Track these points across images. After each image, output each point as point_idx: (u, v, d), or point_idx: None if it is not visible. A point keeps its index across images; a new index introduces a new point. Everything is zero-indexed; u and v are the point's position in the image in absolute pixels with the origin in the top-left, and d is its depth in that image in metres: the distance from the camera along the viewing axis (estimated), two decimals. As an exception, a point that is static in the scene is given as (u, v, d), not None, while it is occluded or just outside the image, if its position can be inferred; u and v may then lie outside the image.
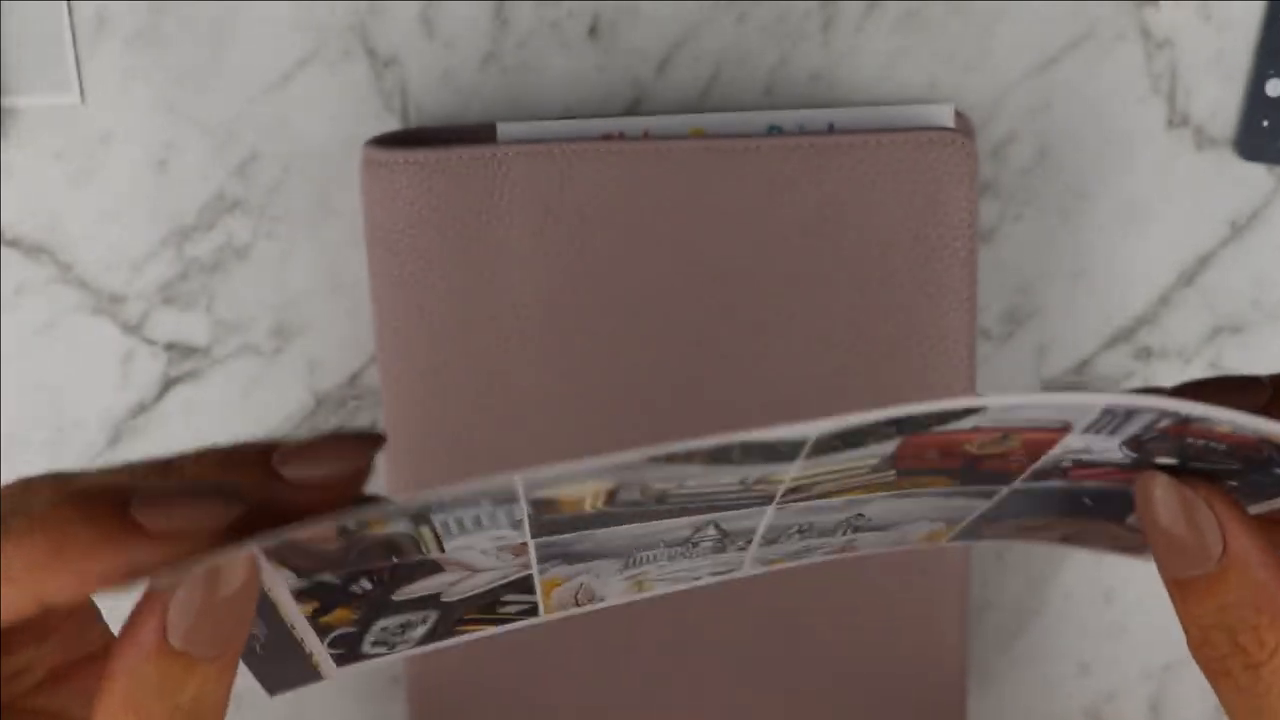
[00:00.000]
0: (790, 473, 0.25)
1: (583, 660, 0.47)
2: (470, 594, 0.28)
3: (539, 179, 0.44)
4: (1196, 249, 0.48)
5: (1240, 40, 0.47)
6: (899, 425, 0.24)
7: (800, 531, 0.29)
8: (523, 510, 0.25)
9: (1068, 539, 0.33)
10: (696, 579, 0.31)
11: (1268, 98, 0.46)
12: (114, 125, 0.49)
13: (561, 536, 0.27)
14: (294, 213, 0.49)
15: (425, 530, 0.25)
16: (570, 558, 0.28)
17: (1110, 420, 0.25)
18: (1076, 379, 0.50)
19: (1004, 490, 0.29)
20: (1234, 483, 0.27)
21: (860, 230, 0.44)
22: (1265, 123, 0.46)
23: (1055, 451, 0.26)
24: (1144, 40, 0.47)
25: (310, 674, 0.30)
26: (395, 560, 0.26)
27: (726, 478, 0.25)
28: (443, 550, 0.26)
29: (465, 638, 0.30)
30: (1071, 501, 0.30)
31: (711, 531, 0.28)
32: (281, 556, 0.25)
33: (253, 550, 0.23)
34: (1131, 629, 0.51)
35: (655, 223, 0.44)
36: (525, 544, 0.27)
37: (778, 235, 0.44)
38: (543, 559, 0.28)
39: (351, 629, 0.28)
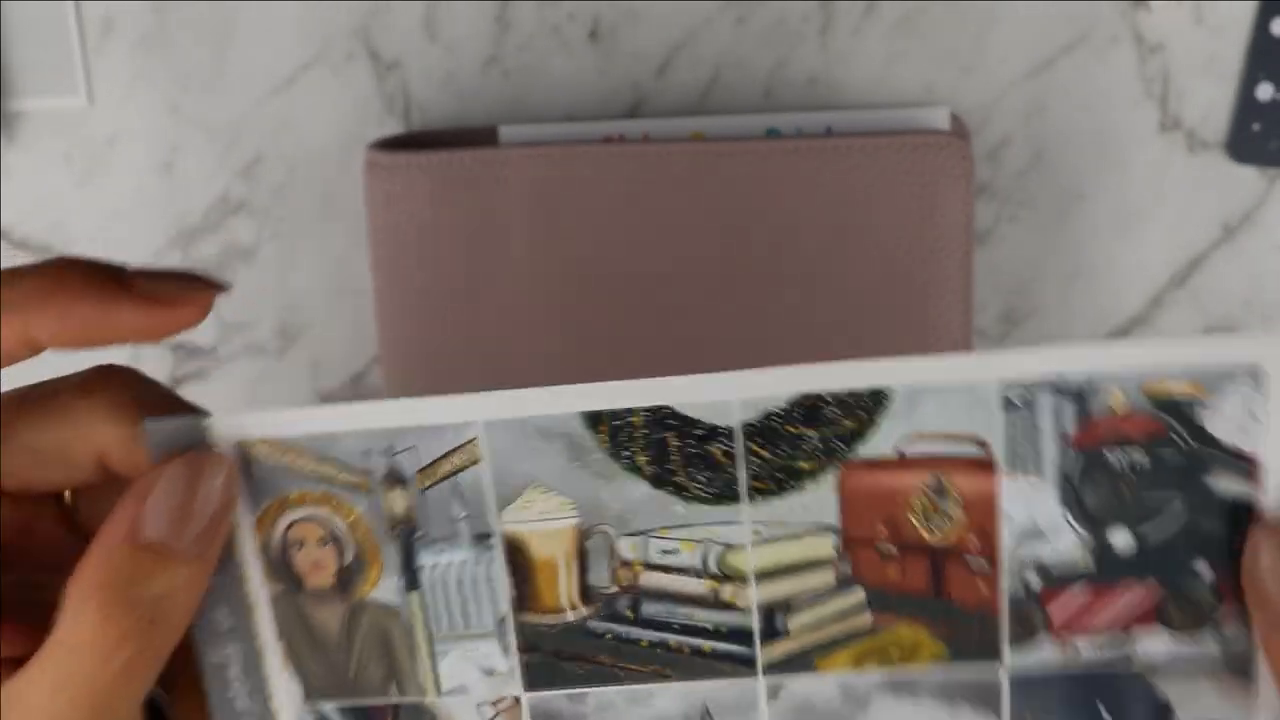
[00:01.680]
0: (745, 532, 0.26)
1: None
2: None
3: (540, 181, 0.44)
4: (1189, 250, 0.49)
5: (1231, 44, 0.47)
6: (815, 423, 0.25)
7: None
8: (504, 603, 0.26)
9: None
10: None
11: (1258, 101, 0.47)
12: (120, 127, 0.49)
13: (557, 713, 0.27)
14: (298, 214, 0.50)
15: (415, 601, 0.27)
16: None
17: (1020, 432, 0.25)
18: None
19: (1003, 678, 0.27)
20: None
21: (858, 232, 0.44)
22: (1256, 126, 0.47)
23: (1007, 541, 0.26)
24: (1137, 44, 0.47)
25: None
26: (394, 688, 0.27)
27: (684, 533, 0.26)
28: (439, 687, 0.27)
29: None
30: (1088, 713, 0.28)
31: None
32: (285, 626, 0.27)
33: (228, 455, 0.26)
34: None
35: (655, 225, 0.44)
36: (519, 701, 0.27)
37: (776, 237, 0.44)
38: None
39: None
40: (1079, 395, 0.25)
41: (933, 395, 0.25)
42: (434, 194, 0.44)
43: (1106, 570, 0.26)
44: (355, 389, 0.51)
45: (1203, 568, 0.26)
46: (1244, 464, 0.26)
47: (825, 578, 0.27)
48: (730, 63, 0.48)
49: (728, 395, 0.26)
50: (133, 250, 0.49)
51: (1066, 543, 0.26)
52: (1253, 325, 0.50)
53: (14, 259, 0.49)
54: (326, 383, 0.51)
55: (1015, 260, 0.49)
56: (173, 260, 0.50)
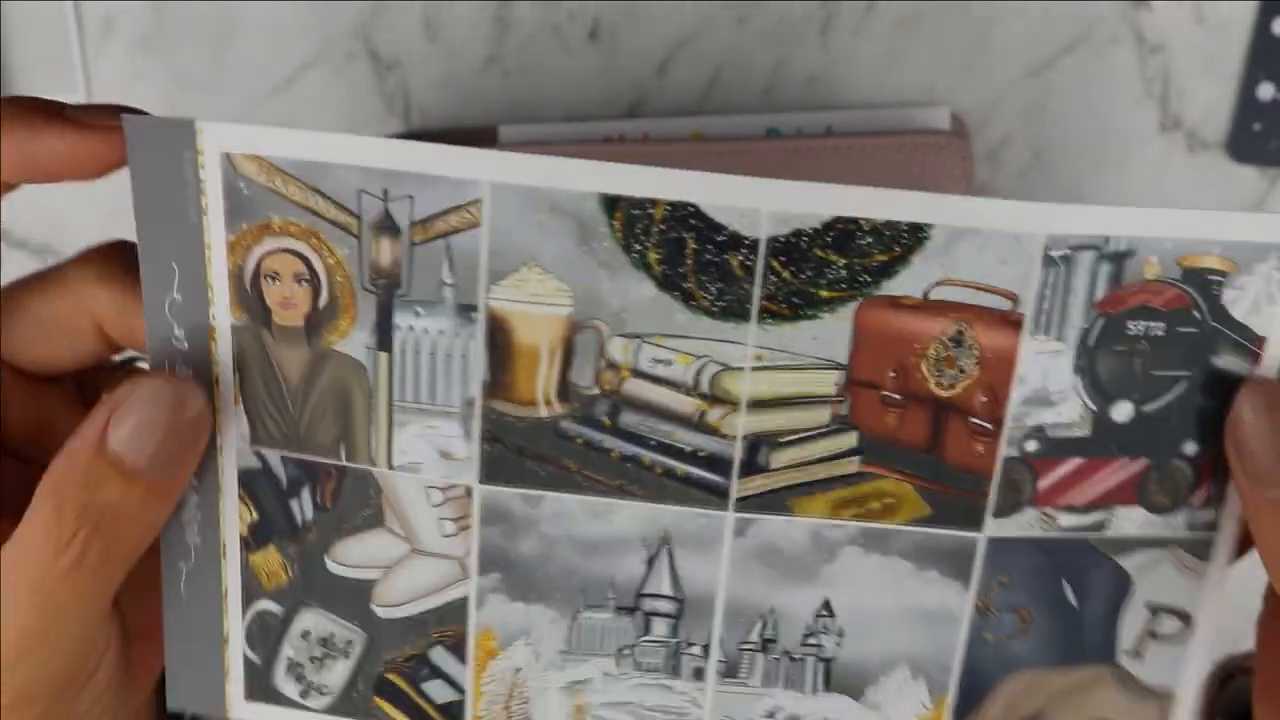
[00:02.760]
0: (747, 354, 0.25)
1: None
2: (398, 615, 0.27)
3: (541, 181, 0.44)
4: (1189, 250, 0.49)
5: (1232, 44, 0.47)
6: (846, 250, 0.24)
7: (765, 642, 0.27)
8: (480, 369, 0.25)
9: None
10: None
11: (1259, 101, 0.47)
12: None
13: (508, 512, 0.26)
14: (298, 214, 0.50)
15: (383, 362, 0.25)
16: (511, 580, 0.27)
17: (1053, 291, 0.24)
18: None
19: (979, 546, 0.27)
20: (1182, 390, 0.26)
21: (857, 231, 0.44)
22: (1257, 126, 0.47)
23: (1015, 403, 0.25)
24: (1138, 44, 0.47)
25: (216, 694, 0.28)
26: (344, 449, 0.26)
27: (681, 345, 0.25)
28: (390, 460, 0.26)
29: None
30: (1060, 608, 0.27)
31: (664, 605, 0.27)
32: (244, 361, 0.25)
33: (202, 398, 0.25)
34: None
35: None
36: (470, 493, 0.26)
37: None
38: (484, 561, 0.27)
39: (275, 607, 0.27)
40: (1117, 258, 0.24)
41: (973, 239, 0.24)
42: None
43: (1102, 443, 0.26)
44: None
45: (1190, 446, 0.26)
46: (1252, 345, 0.25)
47: (820, 416, 0.25)
48: (730, 62, 0.48)
49: (760, 204, 0.24)
50: (132, 250, 0.49)
51: (1071, 411, 0.25)
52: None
53: (14, 259, 0.49)
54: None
55: (1015, 260, 0.49)
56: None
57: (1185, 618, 0.27)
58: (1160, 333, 0.25)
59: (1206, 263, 0.24)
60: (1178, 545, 0.27)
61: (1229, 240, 0.24)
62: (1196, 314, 0.25)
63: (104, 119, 0.25)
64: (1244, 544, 0.27)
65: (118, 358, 0.29)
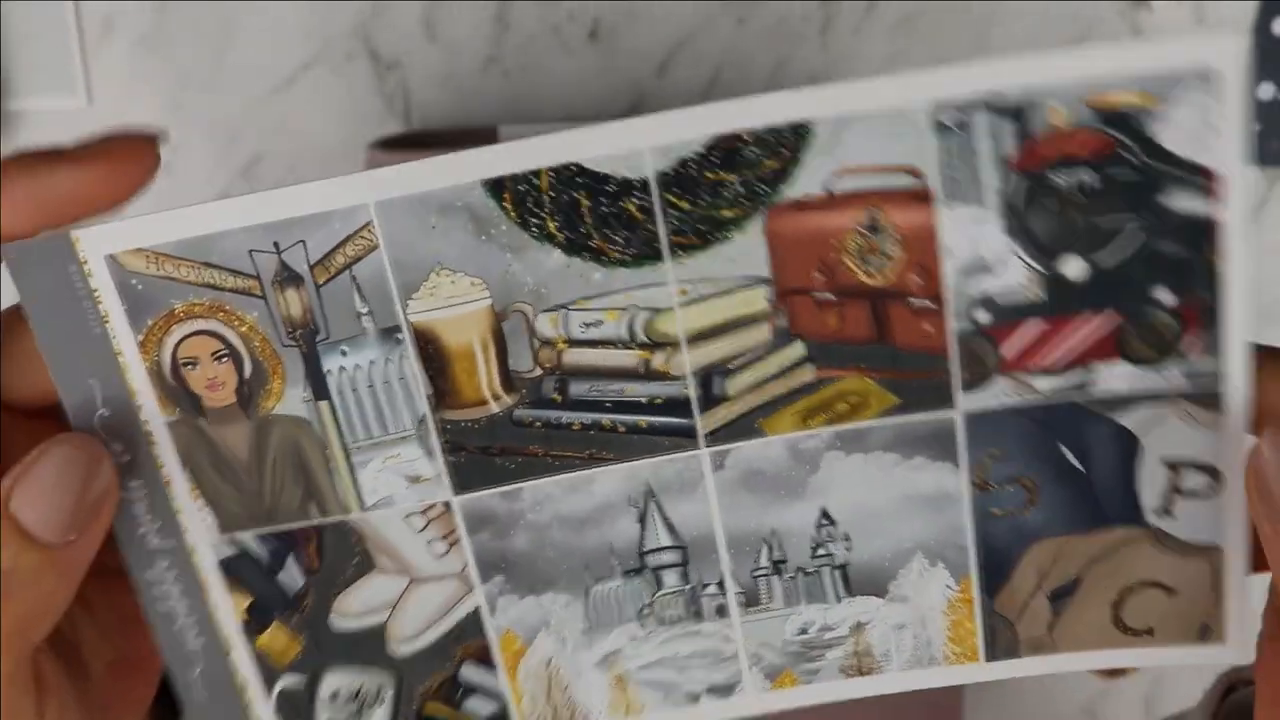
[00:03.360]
0: (671, 293, 0.24)
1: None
2: (418, 647, 0.27)
3: (540, 180, 0.44)
4: (1190, 250, 0.49)
5: (1233, 44, 0.47)
6: (735, 166, 0.24)
7: (776, 564, 0.27)
8: (419, 388, 0.25)
9: (1119, 598, 0.28)
10: (695, 697, 0.28)
11: (1259, 101, 0.47)
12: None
13: (491, 513, 0.26)
14: (298, 214, 0.50)
15: (325, 410, 0.25)
16: (515, 577, 0.27)
17: (955, 157, 0.24)
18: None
19: (958, 423, 0.26)
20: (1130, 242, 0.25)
21: (858, 230, 0.44)
22: (1257, 126, 0.47)
23: (951, 276, 0.25)
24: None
25: None
26: (315, 508, 0.26)
27: (605, 302, 0.25)
28: (362, 502, 0.26)
29: None
30: (1065, 473, 0.27)
31: (668, 556, 0.27)
32: (190, 454, 0.25)
33: (111, 468, 0.24)
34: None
35: (655, 223, 0.44)
36: (449, 507, 0.26)
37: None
38: (483, 568, 0.26)
39: (297, 680, 0.27)
40: (1017, 113, 0.23)
41: (859, 125, 0.23)
42: (434, 193, 0.44)
43: (1059, 301, 0.25)
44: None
45: (1163, 293, 0.25)
46: (1201, 179, 0.24)
47: (761, 334, 0.25)
48: (731, 62, 0.48)
49: (637, 143, 0.23)
50: (132, 250, 0.49)
51: (1015, 275, 0.25)
52: (1253, 324, 0.49)
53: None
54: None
55: (1016, 260, 0.49)
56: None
57: (1213, 472, 0.26)
58: (1093, 180, 0.24)
59: (1120, 99, 0.23)
60: (1181, 399, 0.26)
61: (1137, 73, 0.23)
62: (1128, 155, 0.24)
63: (104, 149, 0.24)
64: (1258, 561, 0.26)
65: None
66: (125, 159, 0.25)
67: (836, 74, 0.48)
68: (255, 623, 0.27)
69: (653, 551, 0.27)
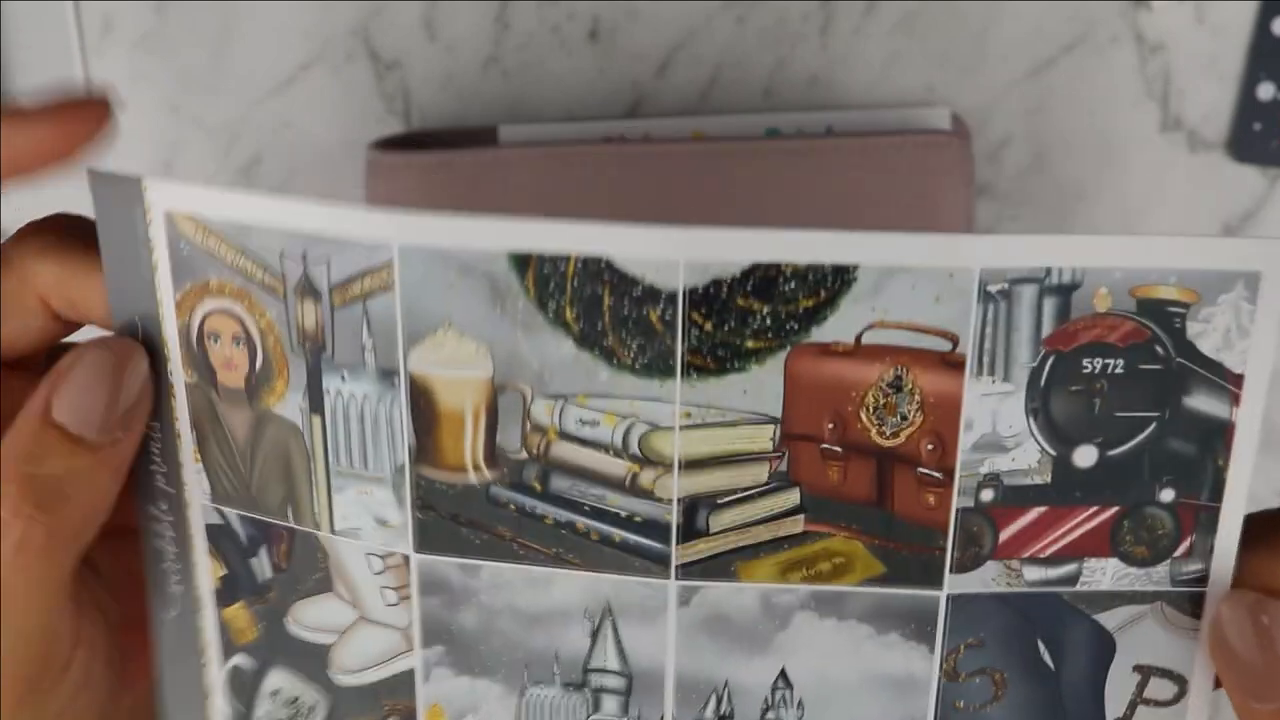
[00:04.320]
0: (674, 412, 0.24)
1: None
2: (353, 682, 0.27)
3: (540, 181, 0.44)
4: (1190, 250, 0.49)
5: (1233, 44, 0.47)
6: (768, 298, 0.23)
7: (721, 718, 0.26)
8: (405, 430, 0.24)
9: None
10: None
11: (1259, 101, 0.47)
12: (120, 127, 0.49)
13: (446, 582, 0.25)
14: (298, 214, 0.50)
15: (317, 425, 0.25)
16: (455, 653, 0.26)
17: (995, 328, 0.23)
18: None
19: (941, 605, 0.25)
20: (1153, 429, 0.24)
21: (857, 231, 0.44)
22: (1257, 125, 0.47)
23: (965, 450, 0.24)
24: (1138, 44, 0.47)
25: None
26: (291, 512, 0.26)
27: (606, 404, 0.24)
28: (332, 524, 0.25)
29: None
30: (1035, 672, 0.26)
31: (612, 681, 0.25)
32: (199, 420, 0.25)
33: (144, 359, 0.25)
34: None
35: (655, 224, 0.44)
36: (408, 561, 0.25)
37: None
38: (427, 633, 0.26)
39: (249, 662, 0.27)
40: (1063, 292, 0.23)
41: (904, 278, 0.22)
42: (435, 194, 0.44)
43: (1065, 489, 0.24)
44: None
45: (1167, 493, 0.24)
46: (1226, 384, 0.23)
47: (758, 474, 0.24)
48: (730, 62, 0.48)
49: (674, 254, 0.23)
50: (132, 250, 0.49)
51: (1028, 456, 0.24)
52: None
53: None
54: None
55: (1016, 260, 0.49)
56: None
57: (1179, 680, 0.25)
58: (1120, 370, 0.23)
59: (1163, 293, 0.23)
60: (1162, 600, 0.25)
61: (1185, 269, 0.23)
62: (1159, 349, 0.23)
63: (54, 104, 0.25)
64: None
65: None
66: (73, 118, 0.25)
67: (836, 74, 0.48)
68: (225, 593, 0.27)
69: (598, 671, 0.26)
